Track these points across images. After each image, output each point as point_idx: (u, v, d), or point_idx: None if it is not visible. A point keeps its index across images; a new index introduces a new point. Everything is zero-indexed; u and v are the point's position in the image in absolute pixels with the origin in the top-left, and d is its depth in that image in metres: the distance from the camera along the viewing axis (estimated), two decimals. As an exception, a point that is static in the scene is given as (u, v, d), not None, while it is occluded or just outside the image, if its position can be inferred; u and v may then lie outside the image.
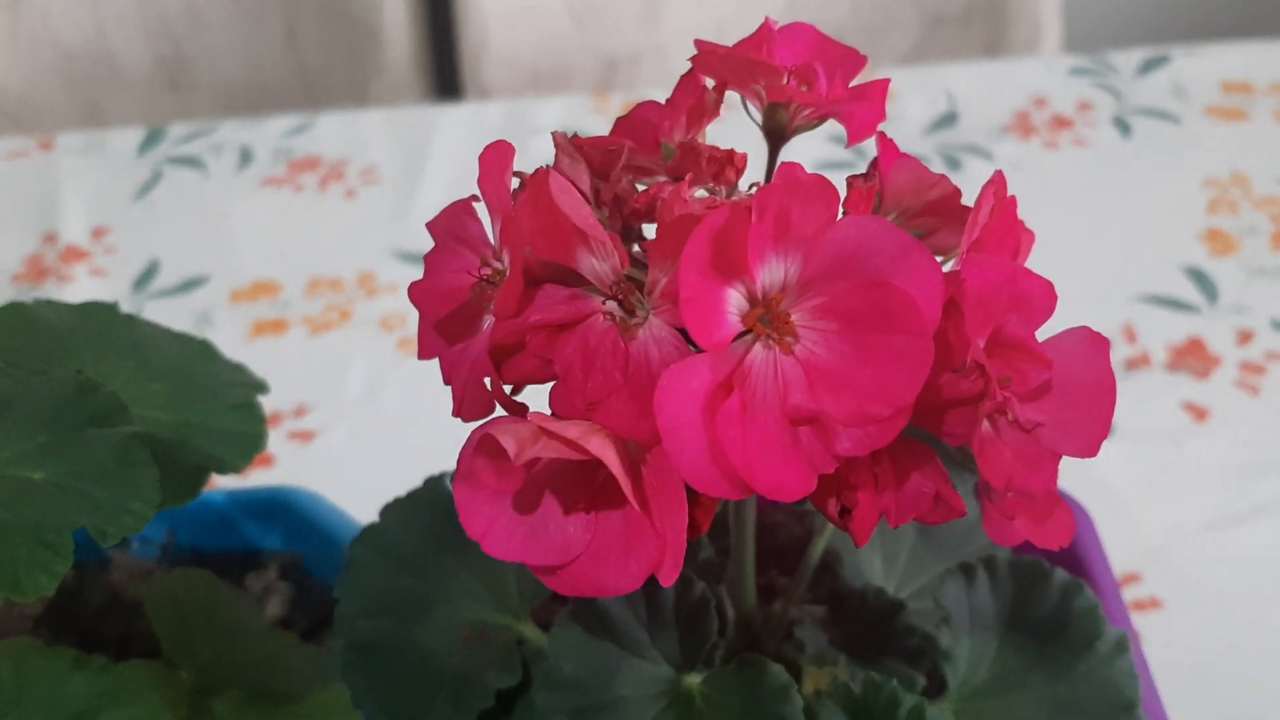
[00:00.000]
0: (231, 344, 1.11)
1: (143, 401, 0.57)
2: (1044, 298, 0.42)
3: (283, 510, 0.71)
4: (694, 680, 0.49)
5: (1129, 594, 0.89)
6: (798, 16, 1.81)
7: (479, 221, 0.43)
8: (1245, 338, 1.05)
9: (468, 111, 1.43)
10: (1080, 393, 0.42)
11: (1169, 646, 0.85)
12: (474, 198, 0.43)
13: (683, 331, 0.38)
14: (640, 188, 0.43)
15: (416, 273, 1.12)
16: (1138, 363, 1.04)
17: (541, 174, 0.38)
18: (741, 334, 0.37)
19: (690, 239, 0.34)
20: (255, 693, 0.57)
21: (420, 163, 1.31)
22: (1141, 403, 1.01)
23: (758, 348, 0.37)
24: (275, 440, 1.02)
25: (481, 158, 0.41)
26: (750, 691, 0.47)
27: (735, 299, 0.37)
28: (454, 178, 1.29)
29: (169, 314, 1.15)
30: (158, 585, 0.60)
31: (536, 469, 0.39)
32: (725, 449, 0.36)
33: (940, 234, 0.45)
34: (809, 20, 0.47)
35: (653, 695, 0.48)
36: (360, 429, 1.04)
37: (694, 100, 0.44)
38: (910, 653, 0.53)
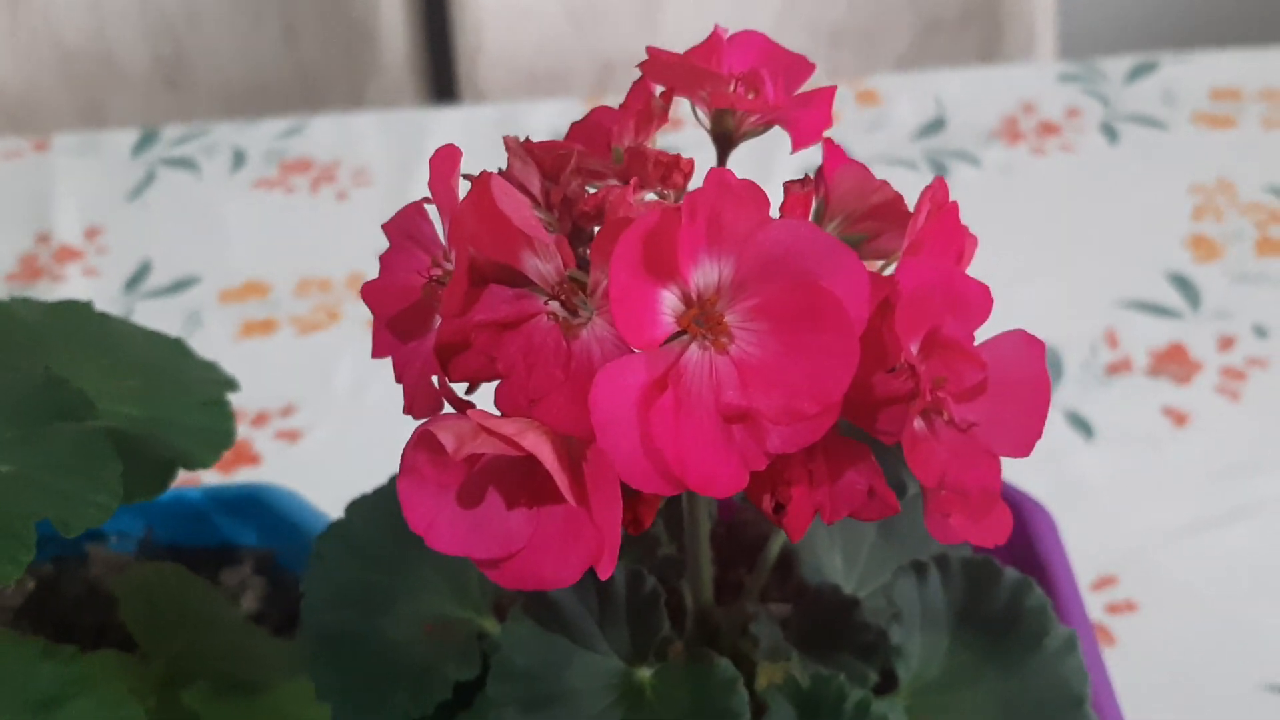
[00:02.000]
0: (221, 344, 1.14)
1: (114, 397, 0.58)
2: (980, 300, 0.43)
3: (257, 506, 0.73)
4: (644, 673, 0.50)
5: (1105, 597, 0.90)
6: (793, 20, 1.81)
7: (431, 222, 0.45)
8: (1227, 343, 1.07)
9: (461, 114, 1.44)
10: (1016, 393, 0.43)
11: (1144, 649, 0.87)
12: (426, 199, 0.44)
13: (627, 331, 0.39)
14: (592, 190, 0.44)
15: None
16: (1119, 367, 1.05)
17: (484, 176, 0.39)
18: (678, 334, 0.38)
19: (620, 239, 0.36)
20: (225, 684, 0.59)
21: (412, 165, 1.32)
22: (1122, 407, 1.03)
23: (693, 347, 0.38)
24: (262, 439, 1.03)
25: (431, 161, 0.42)
26: (698, 684, 0.49)
27: (670, 300, 0.38)
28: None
29: (160, 314, 1.17)
30: (131, 577, 0.61)
31: (478, 465, 0.40)
32: (658, 444, 0.37)
33: (884, 238, 0.46)
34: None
35: (604, 687, 0.49)
36: (346, 429, 1.06)
37: (642, 105, 0.45)
38: (864, 648, 0.54)
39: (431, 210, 0.45)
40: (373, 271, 1.21)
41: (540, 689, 0.49)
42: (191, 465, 0.57)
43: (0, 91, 1.81)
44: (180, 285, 1.19)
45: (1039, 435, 0.43)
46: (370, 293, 0.45)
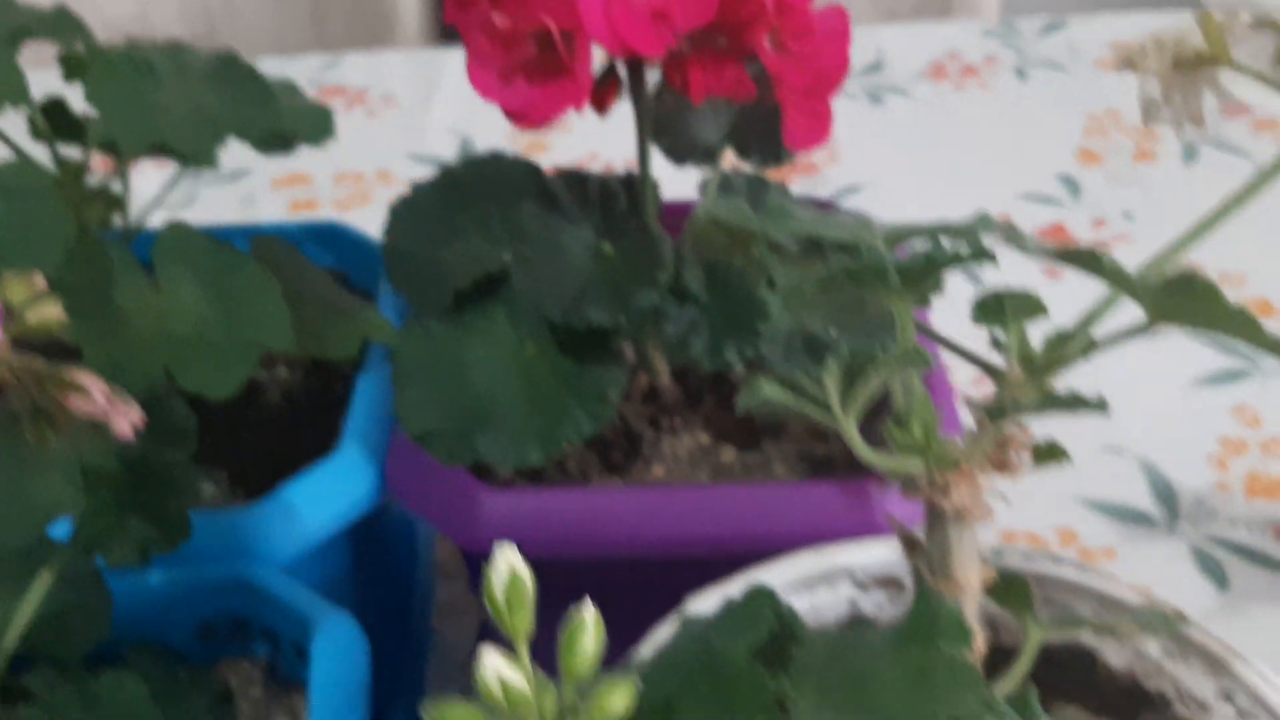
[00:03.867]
0: (273, 217, 1.49)
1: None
2: (811, -14, 0.79)
3: (333, 236, 1.07)
4: (607, 245, 0.86)
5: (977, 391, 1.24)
6: None
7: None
8: (1099, 224, 1.42)
9: (472, 60, 1.81)
10: (830, 38, 0.79)
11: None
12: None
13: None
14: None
15: (427, 171, 1.49)
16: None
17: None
18: (628, -28, 0.74)
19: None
20: (326, 306, 0.93)
21: (431, 93, 1.69)
22: (1009, 269, 1.38)
23: (636, -21, 0.74)
24: (310, 276, 1.38)
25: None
26: (638, 244, 0.84)
27: (623, -51, 0.74)
28: (459, 104, 1.67)
29: (220, 197, 1.53)
30: (261, 240, 0.96)
31: (513, 56, 0.76)
32: (617, 27, 0.73)
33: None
34: None
35: (583, 248, 0.85)
36: (377, 279, 1.41)
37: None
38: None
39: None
40: (398, 168, 1.59)
41: (545, 244, 0.84)
42: (311, 142, 0.93)
43: (50, 63, 2.17)
44: (237, 175, 1.56)
45: (842, 58, 0.79)
46: (446, -11, 0.81)
